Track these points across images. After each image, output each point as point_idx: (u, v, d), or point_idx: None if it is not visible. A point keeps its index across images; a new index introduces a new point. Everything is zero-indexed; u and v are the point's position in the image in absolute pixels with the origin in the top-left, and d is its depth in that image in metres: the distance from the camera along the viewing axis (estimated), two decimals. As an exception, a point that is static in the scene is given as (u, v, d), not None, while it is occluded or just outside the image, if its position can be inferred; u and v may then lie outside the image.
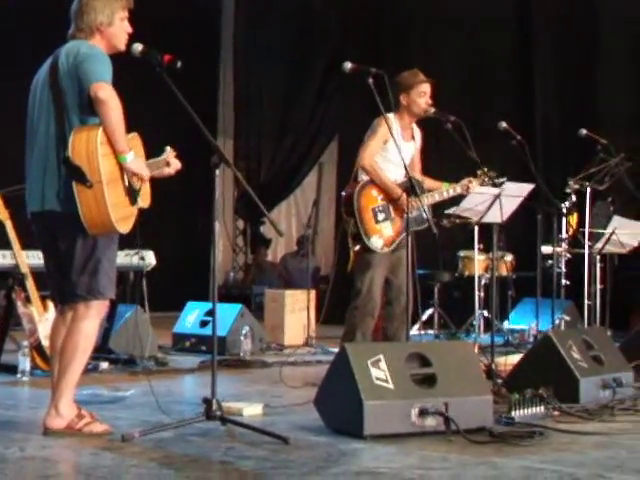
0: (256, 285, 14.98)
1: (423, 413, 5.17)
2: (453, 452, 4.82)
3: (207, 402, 5.14)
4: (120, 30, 5.25)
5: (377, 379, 5.17)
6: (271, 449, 4.81)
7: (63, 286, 5.19)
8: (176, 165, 5.48)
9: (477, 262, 9.91)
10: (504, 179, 7.55)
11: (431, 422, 5.19)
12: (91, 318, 5.18)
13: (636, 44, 12.04)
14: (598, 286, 9.21)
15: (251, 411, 5.84)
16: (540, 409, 5.73)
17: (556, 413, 5.78)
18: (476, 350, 7.40)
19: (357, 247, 7.08)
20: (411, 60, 12.25)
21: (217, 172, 5.25)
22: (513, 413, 5.57)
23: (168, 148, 5.44)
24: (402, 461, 4.62)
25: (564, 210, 9.37)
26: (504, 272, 10.49)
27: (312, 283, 14.51)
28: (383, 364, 5.22)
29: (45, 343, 7.30)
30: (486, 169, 7.46)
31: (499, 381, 6.55)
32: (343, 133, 14.13)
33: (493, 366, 6.90)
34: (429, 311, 10.90)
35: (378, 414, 5.08)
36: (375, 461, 4.63)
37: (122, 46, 5.27)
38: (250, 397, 6.47)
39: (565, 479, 4.27)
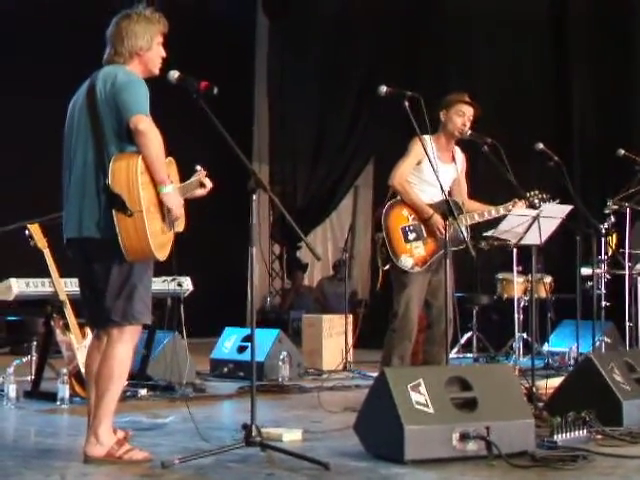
0: (293, 310, 14.98)
1: (464, 437, 5.13)
2: (495, 477, 4.79)
3: (246, 428, 5.14)
4: (156, 55, 5.29)
5: (417, 403, 5.14)
6: (312, 475, 4.79)
7: (98, 311, 5.20)
8: (209, 185, 5.45)
9: (516, 284, 9.85)
10: (557, 201, 7.52)
11: (472, 446, 5.14)
12: (125, 343, 5.18)
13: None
14: (640, 307, 9.14)
15: (290, 437, 5.82)
16: (583, 432, 5.68)
17: (599, 437, 5.72)
18: (516, 373, 7.35)
19: (386, 267, 7.07)
20: (446, 81, 12.29)
21: (254, 197, 5.23)
22: (555, 437, 5.52)
23: (199, 167, 5.42)
24: (443, 486, 4.60)
25: (603, 231, 9.32)
26: (543, 294, 10.41)
27: (349, 307, 14.55)
28: (423, 388, 5.19)
29: (83, 369, 7.34)
30: (537, 191, 7.43)
31: (540, 404, 6.50)
32: (378, 156, 14.13)
33: (534, 389, 6.86)
34: (468, 334, 10.85)
35: (419, 439, 5.04)
36: (417, 487, 4.61)
37: (157, 70, 5.31)
38: (289, 423, 6.44)
39: (610, 503, 4.23)
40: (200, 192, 5.42)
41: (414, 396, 5.15)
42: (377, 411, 5.26)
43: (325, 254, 16.13)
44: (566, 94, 12.68)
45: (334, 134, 15.18)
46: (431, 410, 5.14)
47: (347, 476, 4.82)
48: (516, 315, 9.89)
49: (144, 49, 5.23)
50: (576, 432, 5.64)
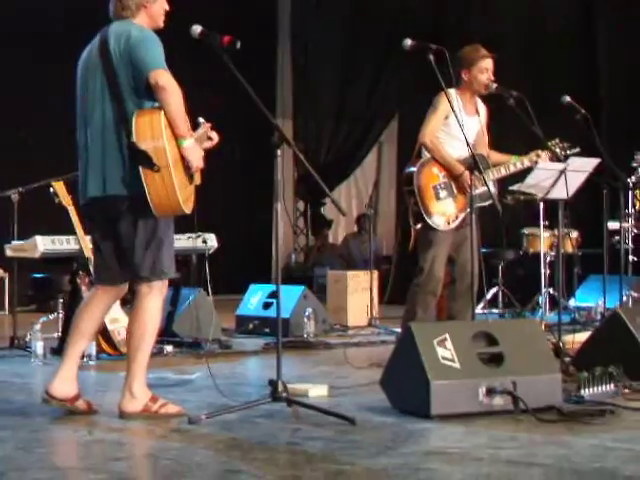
0: (318, 267, 14.98)
1: (491, 392, 5.13)
2: (522, 431, 4.78)
3: (273, 384, 5.15)
4: (161, 7, 5.28)
5: (443, 358, 5.14)
6: (338, 430, 4.79)
7: (120, 270, 5.22)
8: (215, 137, 5.39)
9: (542, 239, 9.79)
10: (577, 149, 7.47)
11: (499, 401, 5.15)
12: (154, 298, 5.21)
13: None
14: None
15: (316, 392, 5.84)
16: (610, 387, 5.66)
17: (626, 391, 5.72)
18: (543, 328, 7.34)
19: (418, 225, 7.04)
20: (471, 32, 12.19)
21: (278, 152, 5.21)
22: (582, 391, 5.51)
23: (202, 120, 5.37)
24: (471, 441, 4.59)
25: (631, 184, 9.26)
26: (570, 249, 10.36)
27: (374, 264, 14.56)
28: (449, 343, 5.19)
29: (110, 327, 7.39)
30: (558, 140, 7.39)
31: (567, 359, 6.49)
32: (403, 112, 14.05)
33: (561, 344, 6.84)
34: (493, 290, 10.82)
35: (445, 394, 5.04)
36: (443, 441, 4.61)
37: (162, 23, 5.30)
38: (315, 378, 6.45)
39: (636, 457, 4.21)
40: (207, 144, 5.35)
41: (440, 351, 5.15)
42: (403, 366, 5.26)
43: (349, 210, 16.10)
44: (594, 45, 12.56)
45: (358, 90, 15.12)
46: (457, 365, 5.14)
47: (373, 431, 4.83)
48: (542, 270, 9.80)
49: (150, 1, 5.21)
50: (603, 387, 5.63)
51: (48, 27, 11.69)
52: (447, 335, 5.22)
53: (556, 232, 9.46)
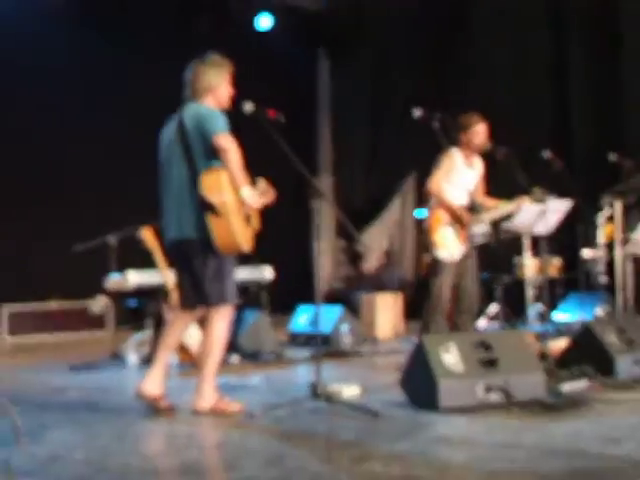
0: (355, 291, 14.93)
1: (488, 389, 5.12)
2: (512, 420, 4.77)
3: (313, 386, 5.16)
4: (226, 91, 5.35)
5: (449, 362, 5.13)
6: (364, 421, 4.80)
7: (195, 297, 5.25)
8: (271, 194, 5.38)
9: (526, 267, 9.66)
10: (553, 195, 7.44)
11: (495, 396, 5.12)
12: (222, 320, 5.25)
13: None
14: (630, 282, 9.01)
15: (350, 392, 5.82)
16: (584, 383, 5.63)
17: (598, 386, 5.68)
18: (532, 338, 7.29)
19: (429, 259, 7.06)
20: (469, 95, 12.15)
21: (313, 202, 5.23)
22: (562, 386, 5.48)
23: (260, 179, 5.39)
24: (471, 429, 4.58)
25: (601, 221, 9.19)
26: (553, 273, 10.29)
27: (400, 287, 14.52)
28: (454, 350, 5.19)
29: (186, 342, 7.42)
30: (537, 188, 7.36)
31: (551, 361, 6.44)
32: (419, 167, 14.03)
33: (546, 350, 6.79)
34: (494, 307, 10.74)
35: (450, 391, 5.03)
36: (449, 429, 4.61)
37: (226, 104, 5.35)
38: (349, 381, 6.43)
39: (605, 439, 4.18)
40: (265, 199, 5.33)
41: (446, 357, 5.15)
42: (417, 370, 5.25)
43: (381, 245, 16.07)
44: (565, 99, 12.50)
45: (383, 150, 15.17)
46: (460, 368, 5.13)
47: (394, 422, 4.83)
48: (529, 291, 9.67)
49: (216, 86, 5.29)
50: (579, 383, 5.60)
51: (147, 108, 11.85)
52: (452, 344, 5.22)
53: (540, 260, 9.45)
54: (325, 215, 15.80)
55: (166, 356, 5.46)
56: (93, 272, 8.26)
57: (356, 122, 15.48)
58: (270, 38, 14.33)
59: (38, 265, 11.38)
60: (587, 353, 6.04)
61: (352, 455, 3.97)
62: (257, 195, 5.22)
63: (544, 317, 9.70)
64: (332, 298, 15.18)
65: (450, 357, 5.15)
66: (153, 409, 5.24)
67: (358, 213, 15.67)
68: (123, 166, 11.62)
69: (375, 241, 16.21)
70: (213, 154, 5.09)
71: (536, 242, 7.98)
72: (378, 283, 14.70)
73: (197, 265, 5.17)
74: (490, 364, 5.25)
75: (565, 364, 5.97)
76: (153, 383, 5.29)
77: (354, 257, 16.06)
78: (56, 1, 11.45)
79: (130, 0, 12.20)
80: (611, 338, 6.10)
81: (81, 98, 12.00)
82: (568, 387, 5.50)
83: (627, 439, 4.14)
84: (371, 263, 16.34)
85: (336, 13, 15.26)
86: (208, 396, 5.19)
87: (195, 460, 4.00)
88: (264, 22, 14.16)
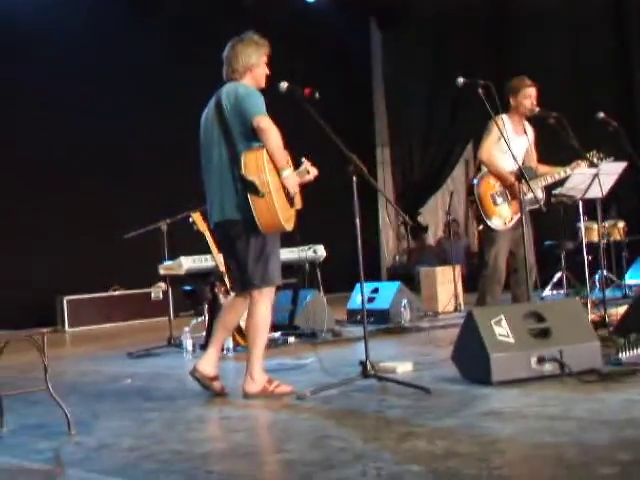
0: (419, 265, 14.91)
1: (541, 360, 5.08)
2: (567, 391, 4.73)
3: (362, 364, 5.18)
4: (263, 71, 5.39)
5: (500, 335, 5.11)
6: (415, 398, 4.80)
7: (241, 278, 5.31)
8: (314, 172, 5.45)
9: (584, 230, 9.48)
10: (611, 158, 7.32)
11: (548, 367, 5.09)
12: (265, 301, 5.29)
13: None
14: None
15: (403, 368, 5.85)
16: (643, 350, 5.55)
17: (658, 352, 5.59)
18: (589, 305, 7.21)
19: (481, 227, 7.03)
20: (527, 64, 12.03)
21: (354, 179, 5.23)
22: (620, 355, 5.42)
23: (304, 159, 5.45)
24: (523, 401, 4.55)
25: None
26: (618, 237, 10.15)
27: (465, 259, 14.45)
28: (504, 322, 5.16)
29: (243, 325, 7.50)
30: (595, 151, 7.25)
31: (610, 329, 6.37)
32: (476, 137, 13.91)
33: (606, 317, 6.73)
34: (558, 274, 10.64)
35: (503, 364, 5.01)
36: (500, 403, 4.57)
37: (263, 84, 5.38)
38: (404, 357, 6.46)
39: (659, 408, 4.13)
40: (309, 177, 5.42)
41: (497, 329, 5.12)
42: (468, 344, 5.24)
43: (445, 217, 15.99)
44: (629, 71, 12.31)
45: (440, 121, 15.08)
46: (512, 340, 5.11)
47: (444, 397, 4.82)
48: (585, 256, 9.45)
49: (255, 66, 5.32)
50: (638, 350, 5.52)
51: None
52: (502, 316, 5.19)
53: (604, 224, 9.31)
54: (386, 189, 15.78)
55: (222, 338, 5.57)
56: (151, 260, 8.40)
57: (411, 93, 15.41)
58: (320, 10, 14.34)
59: (96, 255, 11.62)
60: (647, 318, 5.96)
61: (398, 433, 3.99)
62: (297, 177, 5.25)
63: (610, 282, 9.59)
64: (395, 272, 15.21)
65: (501, 329, 5.12)
66: (206, 388, 5.33)
67: (417, 186, 15.64)
68: (171, 150, 11.78)
69: (436, 213, 16.17)
70: (253, 134, 5.12)
71: (601, 206, 7.83)
72: (443, 255, 14.66)
73: (240, 246, 5.23)
74: (543, 335, 5.21)
75: (625, 330, 5.88)
76: (208, 364, 5.38)
77: (416, 230, 16.03)
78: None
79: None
80: (672, 302, 6.00)
81: (132, 86, 12.20)
82: (626, 355, 5.43)
83: (681, 406, 4.09)
84: (434, 235, 16.29)
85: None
86: (258, 378, 5.24)
87: (242, 444, 4.05)
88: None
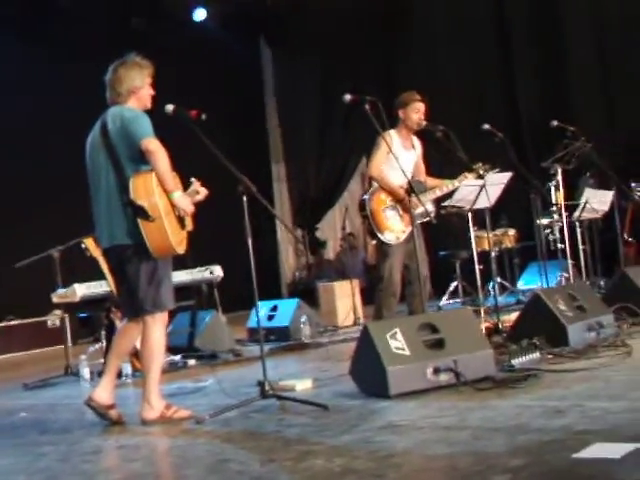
0: (318, 280, 14.96)
1: (437, 371, 5.15)
2: (462, 400, 4.79)
3: (261, 384, 5.17)
4: (148, 92, 5.33)
5: (396, 348, 5.15)
6: (314, 416, 4.80)
7: (132, 304, 5.24)
8: (204, 192, 5.38)
9: (474, 240, 9.65)
10: (497, 169, 7.47)
11: (444, 377, 5.16)
12: (158, 327, 5.23)
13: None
14: (580, 246, 9.09)
15: (303, 385, 5.85)
16: (536, 355, 5.69)
17: (550, 357, 5.73)
18: (483, 313, 7.34)
19: (373, 242, 7.11)
20: (413, 81, 12.24)
21: (244, 199, 5.21)
22: (513, 361, 5.53)
23: (193, 179, 5.39)
24: (419, 413, 4.59)
25: (552, 188, 9.24)
26: (509, 244, 10.37)
27: (364, 271, 14.55)
28: (399, 335, 5.21)
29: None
30: (481, 163, 7.39)
31: (504, 335, 6.50)
32: (369, 149, 14.07)
33: (499, 324, 6.85)
34: (454, 284, 10.81)
35: (399, 377, 5.06)
36: (397, 415, 4.61)
37: (149, 105, 5.33)
38: (304, 373, 6.47)
39: (549, 412, 4.21)
40: (199, 198, 5.35)
41: (392, 343, 5.17)
42: (365, 358, 5.27)
43: (342, 231, 16.06)
44: (511, 80, 12.64)
45: (332, 135, 15.18)
46: (407, 352, 5.16)
47: (343, 413, 4.82)
48: (477, 267, 9.56)
49: (139, 87, 5.27)
50: (530, 355, 5.65)
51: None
52: (397, 329, 5.24)
53: (495, 232, 9.50)
54: (283, 205, 15.82)
55: (116, 365, 5.49)
56: (46, 288, 8.22)
57: (303, 108, 15.49)
58: (209, 30, 14.32)
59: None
60: (538, 323, 6.11)
61: (296, 452, 3.98)
62: (188, 198, 5.21)
63: (504, 289, 9.79)
64: (296, 289, 15.24)
65: (396, 342, 5.17)
66: (103, 417, 5.24)
67: (314, 202, 15.71)
68: (59, 177, 11.60)
69: (334, 227, 16.25)
70: (141, 158, 5.06)
71: (490, 215, 7.99)
72: (342, 269, 14.74)
73: (131, 271, 5.16)
74: (437, 345, 5.28)
75: (518, 336, 6.02)
76: (104, 392, 5.29)
77: (315, 245, 16.10)
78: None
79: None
80: (561, 306, 6.15)
81: (11, 111, 11.95)
82: (519, 361, 5.54)
83: (570, 409, 4.18)
84: (333, 250, 16.37)
85: (274, 1, 15.26)
86: (155, 405, 5.17)
87: (138, 473, 4.00)
88: (200, 14, 14.19)
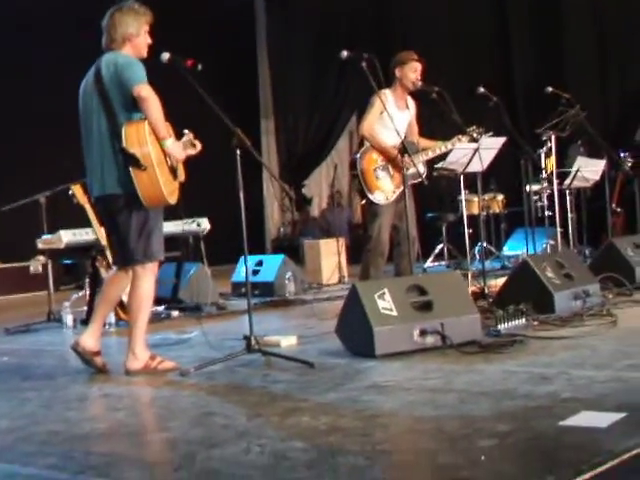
0: (303, 237, 14.94)
1: (423, 333, 5.16)
2: (448, 363, 4.80)
3: (247, 339, 5.16)
4: (144, 41, 5.25)
5: (383, 309, 5.15)
6: (299, 373, 4.80)
7: (123, 253, 5.21)
8: (198, 146, 5.34)
9: (464, 203, 9.65)
10: (491, 133, 7.44)
11: (430, 340, 5.17)
12: (148, 277, 5.20)
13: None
14: (569, 214, 9.11)
15: (287, 342, 5.85)
16: (522, 321, 5.71)
17: (536, 323, 5.75)
18: (470, 277, 7.34)
19: (363, 201, 7.09)
20: (408, 40, 12.17)
21: (238, 152, 5.16)
22: (499, 326, 5.55)
23: (186, 131, 5.33)
24: (405, 374, 4.60)
25: (542, 154, 9.23)
26: (497, 210, 10.37)
27: (348, 230, 14.55)
28: (387, 296, 5.20)
29: (125, 299, 7.37)
30: (475, 126, 7.35)
31: (490, 300, 6.51)
32: (360, 107, 14.00)
33: (486, 288, 6.86)
34: (440, 246, 10.82)
35: (386, 337, 5.06)
36: (383, 376, 4.61)
37: (145, 53, 5.25)
38: (289, 330, 6.44)
39: (535, 378, 4.23)
40: (192, 151, 5.30)
41: (380, 303, 5.17)
42: (352, 317, 5.27)
43: (329, 189, 16.03)
44: (507, 46, 12.57)
45: (325, 91, 15.09)
46: (395, 313, 5.16)
47: (328, 371, 4.82)
48: (466, 230, 9.60)
49: (134, 35, 5.19)
50: (516, 321, 5.67)
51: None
52: (385, 289, 5.24)
53: (484, 197, 9.49)
54: (270, 160, 15.73)
55: (105, 313, 5.48)
56: (30, 233, 8.17)
57: (296, 62, 15.39)
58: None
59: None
60: (525, 289, 6.13)
61: (282, 408, 3.97)
62: (181, 146, 5.17)
63: (490, 254, 9.79)
64: (280, 245, 15.22)
65: (384, 303, 5.16)
66: (87, 364, 5.23)
67: (302, 157, 15.64)
68: (50, 121, 11.48)
69: (320, 184, 16.21)
70: (133, 105, 5.00)
71: (481, 179, 7.98)
72: (327, 227, 14.74)
73: (122, 221, 5.11)
74: (425, 307, 5.28)
75: (504, 301, 6.03)
76: (91, 338, 5.28)
77: (300, 201, 16.06)
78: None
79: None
80: (548, 274, 6.16)
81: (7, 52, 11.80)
82: (505, 326, 5.56)
83: (556, 377, 4.19)
84: (318, 207, 16.34)
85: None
86: (140, 355, 5.15)
87: (122, 423, 3.98)
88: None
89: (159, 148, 5.00)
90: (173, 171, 5.14)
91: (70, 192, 7.41)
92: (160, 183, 4.94)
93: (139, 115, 5.02)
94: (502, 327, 5.54)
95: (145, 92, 4.92)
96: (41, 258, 10.58)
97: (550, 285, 6.05)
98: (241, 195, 5.27)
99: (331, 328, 5.74)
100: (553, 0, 12.09)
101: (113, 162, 5.03)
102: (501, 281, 7.03)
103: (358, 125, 14.12)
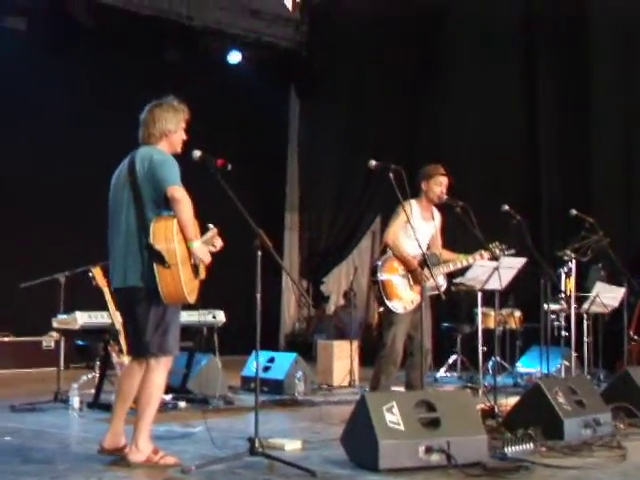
0: (317, 334, 14.90)
1: (429, 450, 5.09)
2: (451, 484, 4.74)
3: (251, 441, 5.12)
4: (180, 137, 5.33)
5: (390, 422, 5.10)
6: (301, 480, 4.76)
7: (138, 344, 5.21)
8: (219, 244, 5.32)
9: (481, 317, 9.63)
10: (513, 250, 7.47)
11: (436, 458, 5.10)
12: (161, 371, 5.19)
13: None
14: (585, 339, 9.06)
15: (291, 446, 5.79)
16: (529, 446, 5.63)
17: (543, 449, 5.66)
18: (480, 393, 7.28)
19: (381, 309, 7.10)
20: (437, 153, 12.29)
21: (259, 253, 5.20)
22: (506, 449, 5.47)
23: (211, 226, 5.34)
24: (407, 492, 4.55)
25: (563, 274, 9.22)
26: (514, 325, 10.33)
27: (360, 332, 14.47)
28: (396, 409, 5.16)
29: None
30: (497, 242, 7.39)
31: (499, 419, 6.44)
32: (385, 210, 14.11)
33: (496, 407, 6.80)
34: (453, 357, 10.77)
35: (391, 451, 5.01)
36: (385, 492, 4.56)
37: (179, 149, 5.32)
38: (295, 433, 6.38)
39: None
40: (212, 249, 5.27)
41: (388, 416, 5.12)
42: (359, 428, 5.22)
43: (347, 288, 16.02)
44: (536, 159, 12.67)
45: (351, 192, 15.21)
46: (402, 428, 5.11)
47: (329, 482, 4.79)
48: (480, 346, 9.55)
49: (172, 132, 5.27)
50: (524, 445, 5.59)
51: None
52: (394, 403, 5.20)
53: (501, 312, 9.47)
54: (292, 254, 15.82)
55: (124, 409, 5.40)
56: (46, 311, 8.23)
57: (325, 160, 15.57)
58: (241, 73, 14.41)
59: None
60: (535, 412, 6.05)
61: (279, 519, 3.93)
62: (206, 248, 5.16)
63: (503, 369, 9.72)
64: (293, 340, 15.18)
65: (392, 416, 5.12)
66: (120, 459, 5.18)
67: (324, 254, 15.69)
68: (78, 203, 11.66)
69: (339, 283, 16.20)
70: (163, 202, 5.04)
71: (499, 294, 7.97)
72: (341, 326, 14.68)
73: (140, 312, 5.12)
74: (433, 424, 5.23)
75: (513, 423, 5.97)
76: (115, 435, 5.27)
77: (318, 298, 16.06)
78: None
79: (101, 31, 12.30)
80: (560, 399, 6.10)
81: (39, 131, 12.04)
82: (512, 450, 5.49)
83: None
84: (333, 304, 16.31)
85: (308, 51, 15.42)
86: (143, 448, 5.12)
87: (118, 518, 3.95)
88: (234, 57, 14.30)
89: (184, 246, 5.01)
90: (195, 269, 5.15)
91: (90, 274, 7.46)
92: (182, 282, 4.96)
93: (167, 212, 5.06)
94: (509, 450, 5.46)
95: (179, 194, 4.98)
96: (54, 334, 10.61)
97: (561, 411, 5.98)
98: (258, 297, 5.30)
99: (337, 434, 5.68)
100: (586, 121, 12.18)
101: (138, 256, 5.06)
102: (512, 400, 6.96)
103: (382, 226, 14.39)
